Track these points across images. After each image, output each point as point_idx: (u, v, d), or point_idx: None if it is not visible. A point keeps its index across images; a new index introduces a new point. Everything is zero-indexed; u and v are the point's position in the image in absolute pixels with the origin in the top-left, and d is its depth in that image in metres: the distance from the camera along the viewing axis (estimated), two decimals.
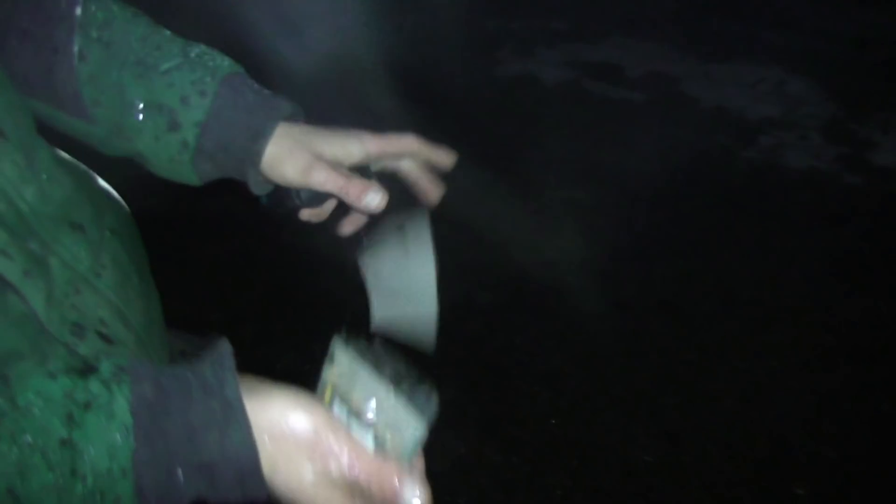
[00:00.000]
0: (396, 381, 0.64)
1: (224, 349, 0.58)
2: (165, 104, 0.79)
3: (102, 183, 0.91)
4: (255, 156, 0.79)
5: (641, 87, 4.74)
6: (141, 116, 0.80)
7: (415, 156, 0.94)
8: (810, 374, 2.69)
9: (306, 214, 0.88)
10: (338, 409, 0.63)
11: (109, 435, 0.52)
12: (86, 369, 0.55)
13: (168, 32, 0.85)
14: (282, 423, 0.57)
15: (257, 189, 0.84)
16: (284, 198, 0.85)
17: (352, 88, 4.57)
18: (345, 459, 0.58)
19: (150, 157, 0.82)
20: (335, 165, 0.80)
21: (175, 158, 0.81)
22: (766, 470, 2.34)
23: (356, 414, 0.62)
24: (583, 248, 3.26)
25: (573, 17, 5.58)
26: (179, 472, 0.53)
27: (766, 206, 3.64)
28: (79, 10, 0.81)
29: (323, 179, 0.78)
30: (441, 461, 2.30)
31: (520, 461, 2.32)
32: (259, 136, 0.79)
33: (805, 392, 2.62)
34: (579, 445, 2.38)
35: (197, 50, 0.83)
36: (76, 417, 0.52)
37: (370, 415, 0.62)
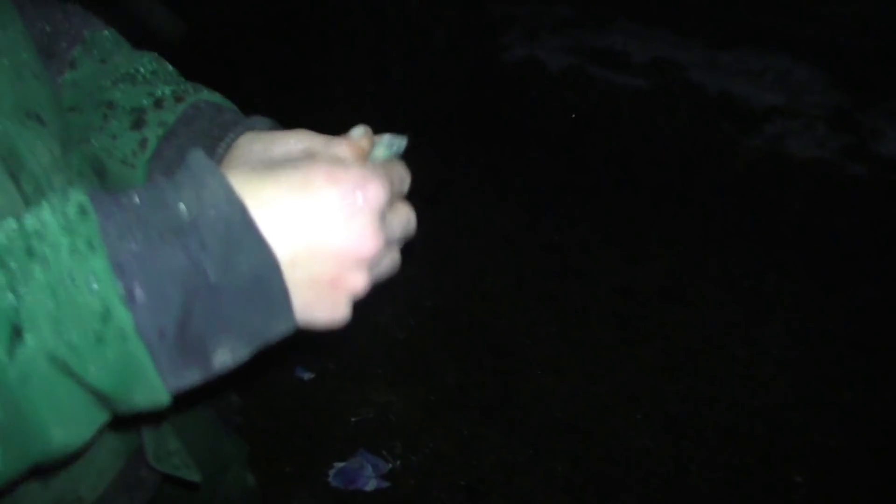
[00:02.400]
0: None
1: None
2: (138, 106, 0.76)
3: None
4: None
5: (646, 74, 4.72)
6: (107, 115, 0.76)
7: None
8: (811, 362, 2.70)
9: None
10: None
11: (67, 210, 0.46)
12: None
13: (172, 68, 0.84)
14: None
15: None
16: None
17: (355, 72, 4.58)
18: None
19: (103, 158, 0.76)
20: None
21: (128, 159, 0.74)
22: (765, 457, 2.35)
23: None
24: (586, 233, 3.27)
25: (578, 2, 5.55)
26: (158, 237, 0.46)
27: (769, 194, 3.64)
28: (87, 33, 0.82)
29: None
30: (443, 443, 2.32)
31: (521, 444, 2.34)
32: (221, 141, 0.71)
33: (805, 380, 2.63)
34: (580, 429, 2.40)
35: (193, 85, 0.80)
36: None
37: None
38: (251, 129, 0.70)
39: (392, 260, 0.59)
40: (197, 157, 0.49)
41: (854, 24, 5.07)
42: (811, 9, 5.25)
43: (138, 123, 0.74)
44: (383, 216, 0.53)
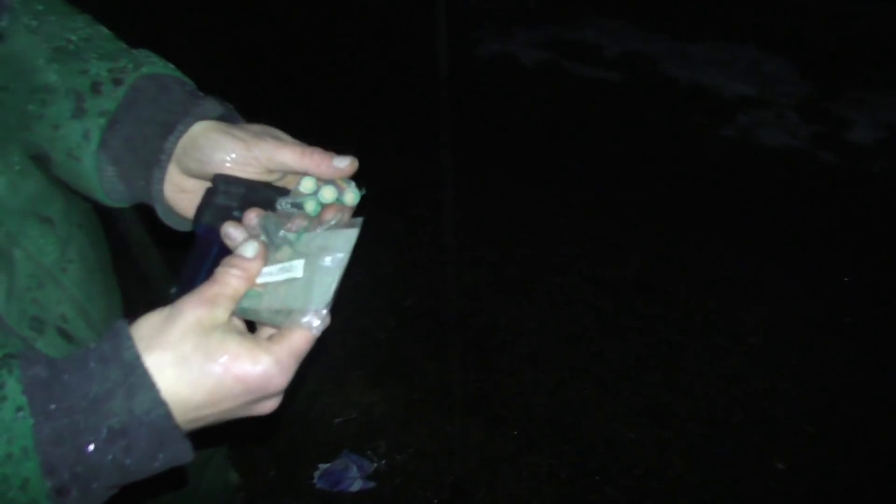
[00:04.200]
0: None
1: (118, 324, 0.56)
2: (74, 89, 0.71)
3: None
4: (161, 154, 0.68)
5: (618, 67, 4.75)
6: (45, 100, 0.71)
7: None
8: (789, 350, 2.73)
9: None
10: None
11: (4, 416, 0.51)
12: None
13: (107, 31, 0.77)
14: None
15: (165, 216, 0.73)
16: (218, 207, 0.67)
17: (325, 69, 4.55)
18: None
19: (48, 149, 0.73)
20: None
21: (73, 153, 0.71)
22: (746, 445, 2.38)
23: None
24: (563, 227, 3.28)
25: None
26: (90, 444, 0.51)
27: (742, 184, 3.67)
28: None
29: (272, 147, 0.66)
30: (427, 441, 2.32)
31: (505, 440, 2.35)
32: (170, 132, 0.68)
33: (784, 368, 2.66)
34: (563, 423, 2.41)
35: (134, 51, 0.74)
36: None
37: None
38: (202, 117, 0.69)
39: None
40: (126, 350, 0.54)
41: (821, 13, 5.13)
42: (780, 0, 5.31)
43: (78, 112, 0.70)
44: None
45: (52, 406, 0.51)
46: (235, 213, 0.66)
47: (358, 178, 0.70)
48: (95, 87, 0.70)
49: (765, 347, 2.74)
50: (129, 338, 0.54)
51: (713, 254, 3.18)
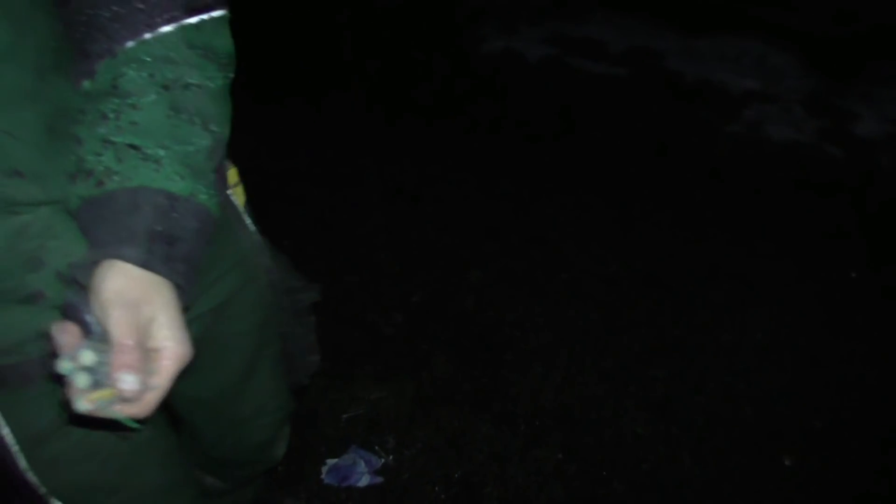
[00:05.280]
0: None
1: None
2: (79, 154, 0.78)
3: None
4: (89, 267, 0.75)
5: (624, 63, 4.74)
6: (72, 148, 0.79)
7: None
8: (796, 345, 2.73)
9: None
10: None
11: None
12: None
13: (147, 117, 0.77)
14: None
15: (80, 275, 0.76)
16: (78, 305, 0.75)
17: (332, 66, 4.55)
18: None
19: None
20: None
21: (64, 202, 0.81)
22: (753, 441, 2.38)
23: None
24: (570, 223, 3.28)
25: None
26: None
27: (749, 180, 3.67)
28: (123, 48, 0.76)
29: (118, 317, 0.71)
30: (435, 436, 2.32)
31: (512, 435, 2.35)
32: (94, 261, 0.75)
33: (791, 364, 2.66)
34: (570, 419, 2.41)
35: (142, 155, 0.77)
36: None
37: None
38: (121, 258, 0.73)
39: None
40: None
41: (827, 8, 5.11)
42: None
43: (72, 177, 0.77)
44: None
45: None
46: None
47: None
48: (88, 173, 0.75)
49: (772, 343, 2.74)
50: None
51: (720, 249, 3.18)
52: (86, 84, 0.77)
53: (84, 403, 0.69)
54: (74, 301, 0.74)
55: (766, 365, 2.65)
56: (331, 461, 2.23)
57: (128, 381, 0.68)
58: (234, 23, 0.81)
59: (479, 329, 2.72)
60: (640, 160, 3.78)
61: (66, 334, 0.69)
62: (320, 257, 2.91)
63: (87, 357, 0.69)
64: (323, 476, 2.19)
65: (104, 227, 0.74)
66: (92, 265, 0.73)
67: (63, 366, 0.68)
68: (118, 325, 0.70)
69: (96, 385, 0.69)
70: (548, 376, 2.55)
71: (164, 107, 0.76)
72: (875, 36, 4.85)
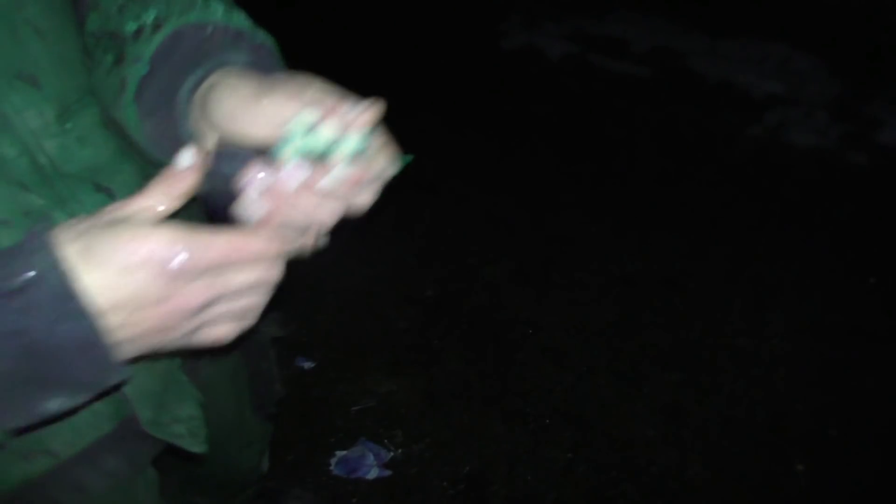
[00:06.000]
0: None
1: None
2: (121, 33, 0.68)
3: None
4: (177, 105, 0.64)
5: (647, 63, 4.71)
6: (106, 48, 0.69)
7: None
8: (812, 351, 2.70)
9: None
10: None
11: None
12: None
13: None
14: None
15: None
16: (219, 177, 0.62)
17: (353, 59, 4.55)
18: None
19: (105, 104, 0.71)
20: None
21: (113, 103, 0.68)
22: (766, 446, 2.36)
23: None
24: (587, 222, 3.26)
25: None
26: None
27: (770, 184, 3.63)
28: None
29: (283, 98, 0.60)
30: (445, 431, 2.31)
31: (523, 433, 2.34)
32: (193, 72, 0.64)
33: (806, 369, 2.63)
34: (582, 419, 2.40)
35: (190, 2, 0.68)
36: None
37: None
38: (223, 64, 0.64)
39: (232, 308, 0.60)
40: (42, 241, 0.51)
41: (853, 12, 5.05)
42: None
43: (119, 59, 0.67)
44: (204, 273, 0.54)
45: None
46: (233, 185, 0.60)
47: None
48: (137, 33, 0.66)
49: (788, 348, 2.71)
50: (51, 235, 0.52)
51: (738, 252, 3.15)
52: (92, 16, 0.73)
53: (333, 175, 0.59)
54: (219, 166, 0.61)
55: (781, 370, 2.62)
56: (340, 453, 2.23)
57: (357, 140, 0.61)
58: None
59: (493, 326, 2.71)
60: (659, 160, 3.75)
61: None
62: (334, 250, 2.91)
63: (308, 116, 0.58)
64: (332, 467, 2.19)
65: (186, 57, 0.64)
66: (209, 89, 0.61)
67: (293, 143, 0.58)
68: (297, 97, 0.59)
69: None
70: (560, 376, 2.54)
71: None
72: None
